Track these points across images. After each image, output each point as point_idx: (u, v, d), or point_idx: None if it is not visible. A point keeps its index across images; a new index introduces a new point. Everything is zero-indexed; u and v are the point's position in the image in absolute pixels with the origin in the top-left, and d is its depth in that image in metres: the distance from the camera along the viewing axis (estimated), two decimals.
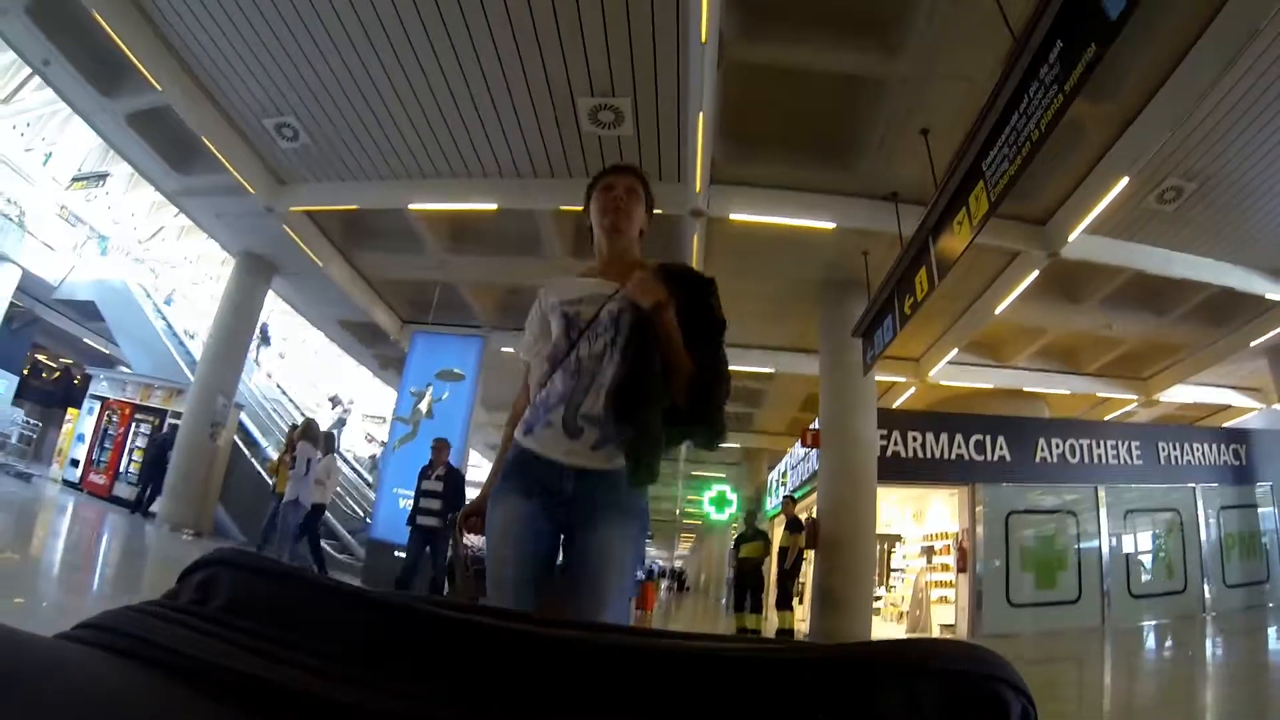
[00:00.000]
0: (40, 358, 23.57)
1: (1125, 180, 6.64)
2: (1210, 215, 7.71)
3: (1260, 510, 10.38)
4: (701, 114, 6.29)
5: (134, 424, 12.45)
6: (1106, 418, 14.37)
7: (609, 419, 1.69)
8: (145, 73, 7.05)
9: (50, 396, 23.36)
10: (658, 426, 1.71)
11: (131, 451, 12.24)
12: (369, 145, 7.96)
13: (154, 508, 10.42)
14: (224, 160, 8.12)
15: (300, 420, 10.11)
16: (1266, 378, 11.66)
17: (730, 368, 1.78)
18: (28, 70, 11.00)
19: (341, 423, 23.78)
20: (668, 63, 6.20)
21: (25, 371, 21.08)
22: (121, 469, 12.21)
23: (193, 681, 0.37)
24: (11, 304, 17.48)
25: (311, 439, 8.01)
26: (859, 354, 8.05)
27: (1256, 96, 6.05)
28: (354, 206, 8.93)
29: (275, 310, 17.43)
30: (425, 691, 0.37)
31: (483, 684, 0.38)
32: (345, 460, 17.48)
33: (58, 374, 24.14)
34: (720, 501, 17.91)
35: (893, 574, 13.62)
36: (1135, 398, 13.03)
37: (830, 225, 7.67)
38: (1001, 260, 8.63)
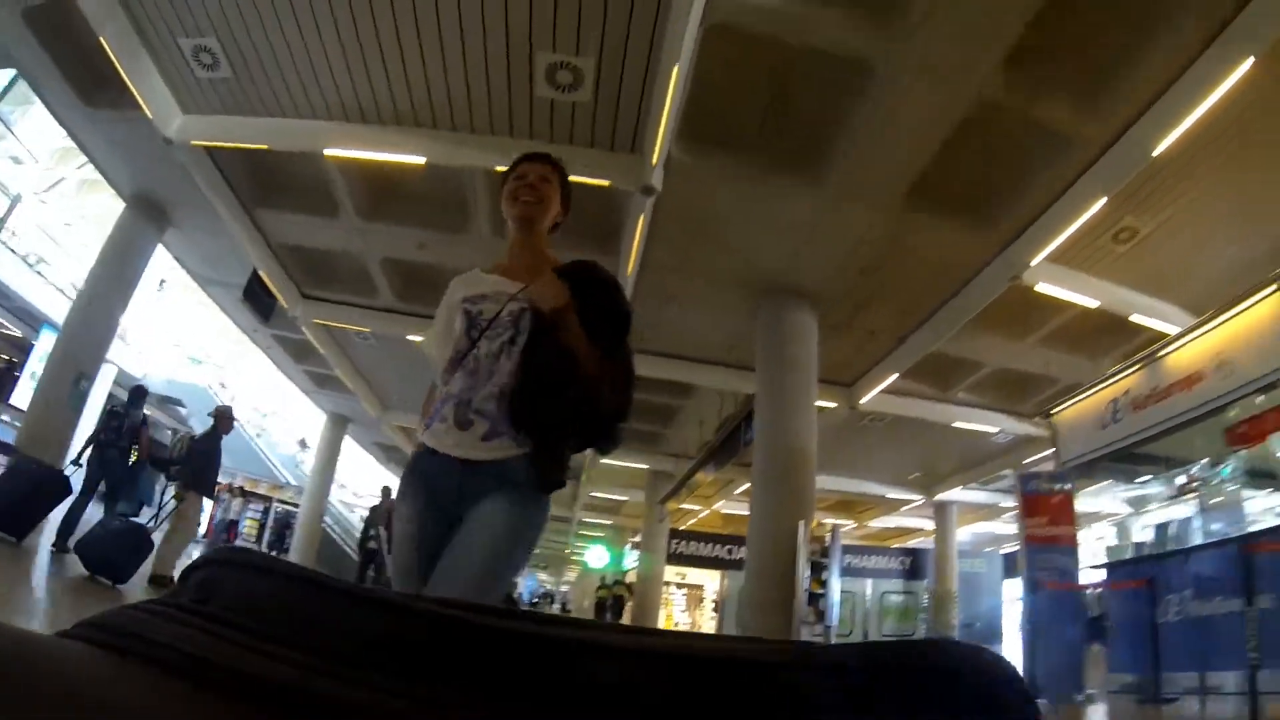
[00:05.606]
0: None
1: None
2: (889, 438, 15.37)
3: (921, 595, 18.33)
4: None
5: (246, 503, 20.37)
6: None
7: (502, 418, 1.71)
8: None
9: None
10: (556, 432, 1.74)
11: (243, 522, 20.11)
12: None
13: None
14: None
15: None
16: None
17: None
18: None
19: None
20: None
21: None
22: (240, 534, 19.98)
23: (193, 680, 0.38)
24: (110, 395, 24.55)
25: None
26: (664, 511, 17.23)
27: None
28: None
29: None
30: (427, 691, 0.37)
31: (486, 683, 0.38)
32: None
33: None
34: (598, 556, 25.45)
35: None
36: (852, 523, 22.56)
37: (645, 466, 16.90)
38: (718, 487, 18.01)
